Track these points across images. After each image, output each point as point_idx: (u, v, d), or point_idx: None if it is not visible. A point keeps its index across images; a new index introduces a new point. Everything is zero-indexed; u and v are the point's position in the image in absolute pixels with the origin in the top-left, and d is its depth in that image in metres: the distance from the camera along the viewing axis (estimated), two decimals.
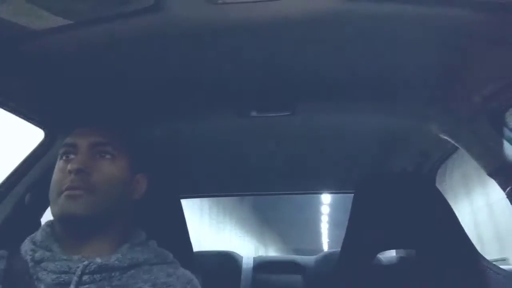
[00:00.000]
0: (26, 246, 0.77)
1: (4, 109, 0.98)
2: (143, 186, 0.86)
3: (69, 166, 0.77)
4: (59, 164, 0.81)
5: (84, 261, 0.74)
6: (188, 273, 0.83)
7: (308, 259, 1.60)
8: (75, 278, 0.71)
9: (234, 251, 1.72)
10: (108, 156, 0.80)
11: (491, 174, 1.00)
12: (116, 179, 0.80)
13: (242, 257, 1.65)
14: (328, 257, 1.47)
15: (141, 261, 0.78)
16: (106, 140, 0.82)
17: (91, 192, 0.76)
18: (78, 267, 0.73)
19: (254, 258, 1.67)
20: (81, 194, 0.75)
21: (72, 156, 0.80)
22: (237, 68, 0.92)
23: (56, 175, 0.80)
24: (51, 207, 0.78)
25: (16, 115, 1.02)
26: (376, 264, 1.20)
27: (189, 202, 5.58)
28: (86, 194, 0.76)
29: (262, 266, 1.61)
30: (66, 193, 0.75)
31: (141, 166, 0.86)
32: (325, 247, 16.50)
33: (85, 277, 0.72)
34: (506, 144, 0.95)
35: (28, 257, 0.75)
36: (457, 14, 0.72)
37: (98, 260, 0.74)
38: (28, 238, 0.80)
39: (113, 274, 0.74)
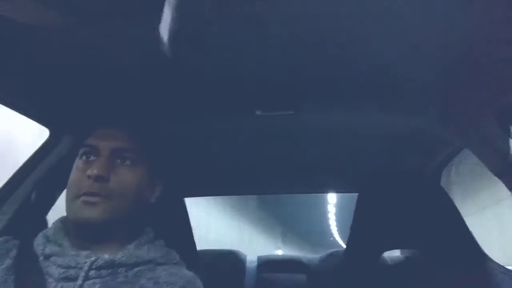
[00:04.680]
0: (38, 240, 0.79)
1: (10, 107, 0.99)
2: (159, 190, 0.87)
3: (89, 171, 0.77)
4: (79, 164, 0.81)
5: (91, 257, 0.75)
6: (191, 274, 0.83)
7: (312, 258, 1.60)
8: (82, 273, 0.73)
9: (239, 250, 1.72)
10: (128, 162, 0.81)
11: (498, 174, 0.99)
12: (134, 186, 0.81)
13: (246, 256, 1.65)
14: (332, 256, 1.47)
15: (147, 259, 0.79)
16: (128, 145, 0.82)
17: (108, 198, 0.77)
18: (85, 262, 0.74)
19: (258, 257, 1.67)
20: (98, 201, 0.76)
21: (92, 158, 0.80)
22: (241, 67, 0.92)
23: (74, 175, 0.80)
24: (66, 207, 0.79)
25: (22, 113, 1.02)
26: (381, 263, 1.20)
27: (195, 200, 5.59)
28: (103, 201, 0.76)
29: (266, 265, 1.61)
30: (83, 198, 0.76)
31: (158, 170, 0.87)
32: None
33: (92, 272, 0.74)
34: None
35: (39, 251, 0.77)
36: (461, 13, 0.71)
37: (106, 256, 0.76)
38: (41, 232, 0.81)
39: (119, 270, 0.76)
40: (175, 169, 1.43)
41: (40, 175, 1.10)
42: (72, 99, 1.03)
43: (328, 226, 14.59)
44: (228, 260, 1.58)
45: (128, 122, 0.89)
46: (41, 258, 0.76)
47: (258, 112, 1.09)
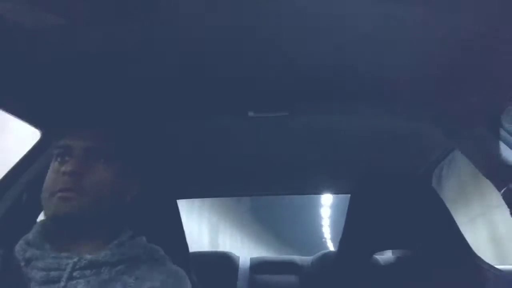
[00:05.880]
0: (19, 246, 0.79)
1: (2, 108, 0.98)
2: (135, 189, 0.88)
3: (63, 168, 0.78)
4: (54, 165, 0.82)
5: (74, 258, 0.75)
6: (175, 267, 0.84)
7: (305, 259, 1.61)
8: (65, 274, 0.73)
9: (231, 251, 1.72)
10: (102, 160, 0.82)
11: (487, 175, 1.01)
12: (108, 183, 0.81)
13: (239, 257, 1.65)
14: (325, 257, 1.48)
15: (130, 256, 0.80)
16: (102, 144, 0.83)
17: (83, 194, 0.78)
18: (68, 263, 0.75)
19: (251, 258, 1.67)
20: (73, 196, 0.77)
21: (67, 158, 0.81)
22: (235, 68, 0.92)
23: (50, 176, 0.81)
24: (44, 207, 0.80)
25: (14, 115, 1.02)
26: (372, 264, 1.21)
27: (186, 202, 5.57)
28: (78, 196, 0.77)
29: (259, 266, 1.61)
30: (58, 194, 0.77)
31: (134, 169, 0.87)
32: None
33: (75, 273, 0.74)
34: (502, 145, 0.96)
35: (20, 257, 0.77)
36: (457, 17, 0.72)
37: (88, 256, 0.76)
38: (22, 238, 0.81)
39: (102, 269, 0.76)
40: (167, 170, 1.43)
41: (31, 176, 1.09)
42: (64, 100, 1.03)
43: (321, 230, 14.58)
44: (221, 262, 1.58)
45: (107, 121, 0.89)
46: (22, 264, 0.75)
47: (251, 113, 1.10)
